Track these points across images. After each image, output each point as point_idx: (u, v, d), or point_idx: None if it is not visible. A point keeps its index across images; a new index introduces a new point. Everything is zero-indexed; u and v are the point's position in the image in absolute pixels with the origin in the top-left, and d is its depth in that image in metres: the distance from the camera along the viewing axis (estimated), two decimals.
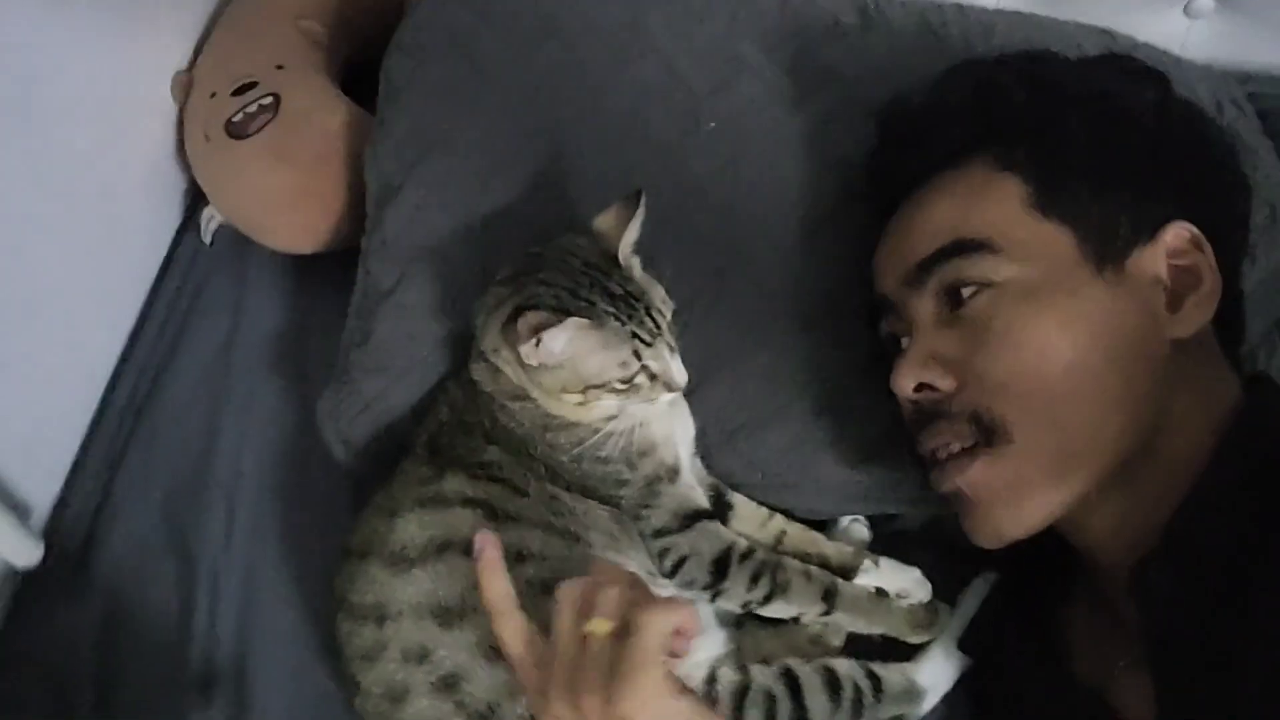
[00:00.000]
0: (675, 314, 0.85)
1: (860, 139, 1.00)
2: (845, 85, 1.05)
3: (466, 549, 0.76)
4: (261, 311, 1.10)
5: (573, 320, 0.76)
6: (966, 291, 0.77)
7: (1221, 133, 0.90)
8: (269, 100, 1.06)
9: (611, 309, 0.79)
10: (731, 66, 1.04)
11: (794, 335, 0.96)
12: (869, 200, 0.95)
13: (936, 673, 0.88)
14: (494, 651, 0.74)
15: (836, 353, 0.95)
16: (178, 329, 1.10)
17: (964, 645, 0.89)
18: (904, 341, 0.85)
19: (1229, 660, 0.65)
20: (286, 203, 1.05)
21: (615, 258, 0.82)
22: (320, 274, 1.10)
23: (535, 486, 0.81)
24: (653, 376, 0.81)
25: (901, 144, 0.89)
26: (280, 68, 1.09)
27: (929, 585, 0.90)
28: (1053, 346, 0.74)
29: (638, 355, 0.79)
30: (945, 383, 0.77)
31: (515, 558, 0.76)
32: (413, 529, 0.79)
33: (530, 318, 0.76)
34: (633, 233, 0.82)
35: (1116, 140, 0.81)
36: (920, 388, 0.79)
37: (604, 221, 0.84)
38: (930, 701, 0.87)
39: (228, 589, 0.94)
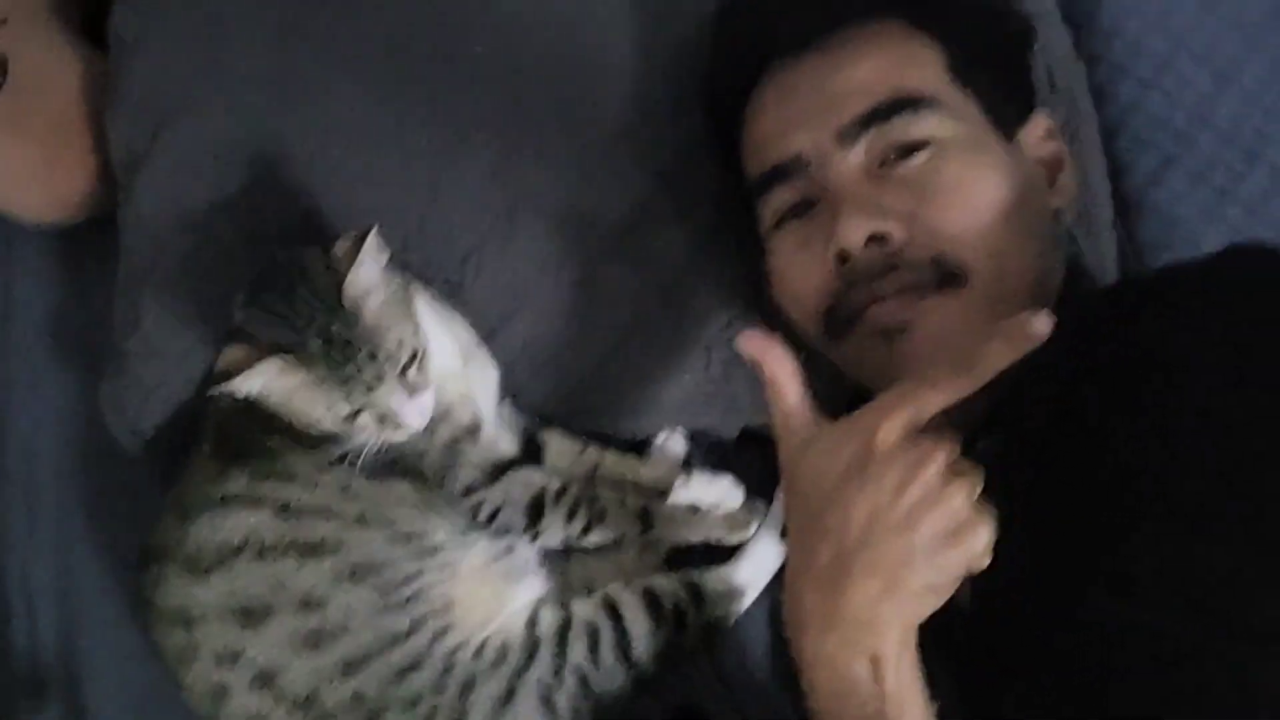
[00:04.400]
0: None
1: (646, 47, 0.97)
2: None
3: (259, 550, 0.77)
4: (35, 291, 1.04)
5: (267, 363, 0.73)
6: (910, 147, 0.77)
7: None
8: None
9: (326, 349, 0.74)
10: None
11: (591, 261, 0.95)
12: (726, 61, 0.92)
13: (755, 569, 0.91)
14: (304, 643, 0.76)
15: (636, 272, 0.95)
16: None
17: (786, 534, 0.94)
18: (789, 210, 0.83)
19: (1043, 528, 0.69)
20: (29, 177, 0.97)
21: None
22: (93, 240, 1.03)
23: (326, 478, 0.80)
24: (381, 418, 0.77)
25: None
26: (3, 23, 0.98)
27: (740, 491, 0.93)
28: (996, 197, 0.76)
29: (349, 401, 0.75)
30: (899, 231, 0.76)
31: (311, 550, 0.77)
32: (204, 533, 0.78)
33: (228, 355, 0.73)
34: (360, 272, 0.75)
35: (1003, 27, 0.86)
36: (869, 240, 0.77)
37: (340, 249, 0.77)
38: (751, 596, 0.91)
39: (41, 590, 0.92)
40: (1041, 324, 0.60)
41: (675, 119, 0.97)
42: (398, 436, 0.79)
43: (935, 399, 0.62)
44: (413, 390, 0.78)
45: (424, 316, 0.83)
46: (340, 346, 0.74)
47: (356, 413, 0.76)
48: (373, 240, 0.75)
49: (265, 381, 0.74)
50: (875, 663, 0.62)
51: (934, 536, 0.61)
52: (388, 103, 0.93)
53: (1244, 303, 0.65)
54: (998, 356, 0.61)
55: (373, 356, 0.75)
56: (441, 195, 0.91)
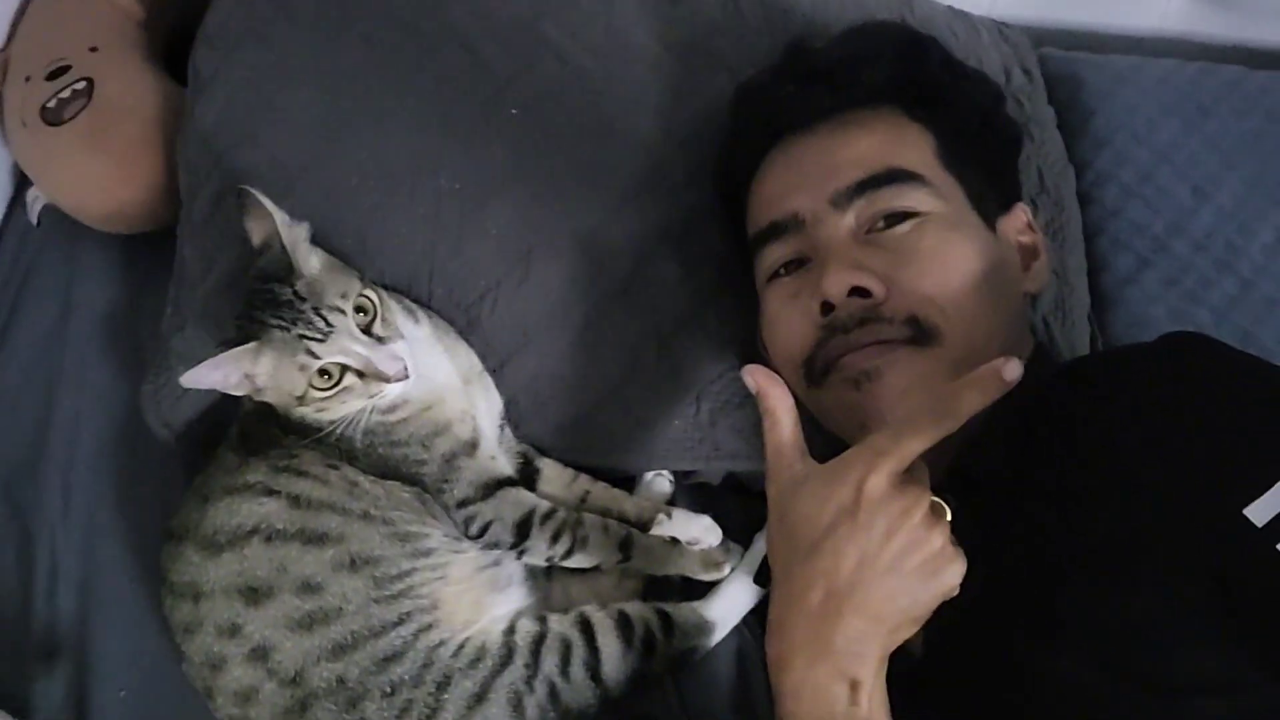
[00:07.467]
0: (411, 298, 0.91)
1: (665, 120, 1.07)
2: (649, 67, 1.10)
3: (269, 536, 0.84)
4: (93, 290, 1.13)
5: (229, 354, 0.81)
6: (896, 217, 0.85)
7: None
8: (82, 85, 1.06)
9: (276, 319, 0.81)
10: (533, 49, 1.07)
11: (597, 309, 1.02)
12: (741, 135, 1.01)
13: (726, 607, 0.96)
14: (299, 624, 0.82)
15: (638, 321, 1.03)
16: (9, 309, 1.13)
17: (759, 578, 0.99)
18: (782, 268, 0.92)
19: (988, 581, 0.74)
20: (102, 190, 1.07)
21: (290, 263, 0.83)
22: (152, 251, 1.12)
23: (335, 475, 0.87)
24: (361, 374, 0.83)
25: (810, 79, 0.95)
26: (94, 50, 1.09)
27: (719, 531, 0.97)
28: (971, 270, 0.84)
29: (313, 354, 0.81)
30: (879, 287, 0.83)
31: (317, 539, 0.84)
32: (222, 515, 0.85)
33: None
34: (282, 231, 0.83)
35: (991, 124, 0.97)
36: (851, 292, 0.84)
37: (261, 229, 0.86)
38: (720, 633, 0.95)
39: (66, 563, 0.99)
40: (1012, 370, 0.66)
41: (687, 186, 1.06)
42: (390, 393, 0.85)
43: (916, 444, 0.68)
44: (382, 340, 0.84)
45: (400, 318, 0.90)
46: (288, 306, 0.82)
47: (340, 379, 0.83)
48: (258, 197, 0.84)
49: (246, 364, 0.82)
50: (854, 688, 0.68)
51: (917, 573, 0.67)
52: (426, 149, 1.02)
53: (1174, 386, 0.72)
54: (972, 400, 0.67)
55: (316, 310, 0.82)
56: (467, 235, 1.00)
